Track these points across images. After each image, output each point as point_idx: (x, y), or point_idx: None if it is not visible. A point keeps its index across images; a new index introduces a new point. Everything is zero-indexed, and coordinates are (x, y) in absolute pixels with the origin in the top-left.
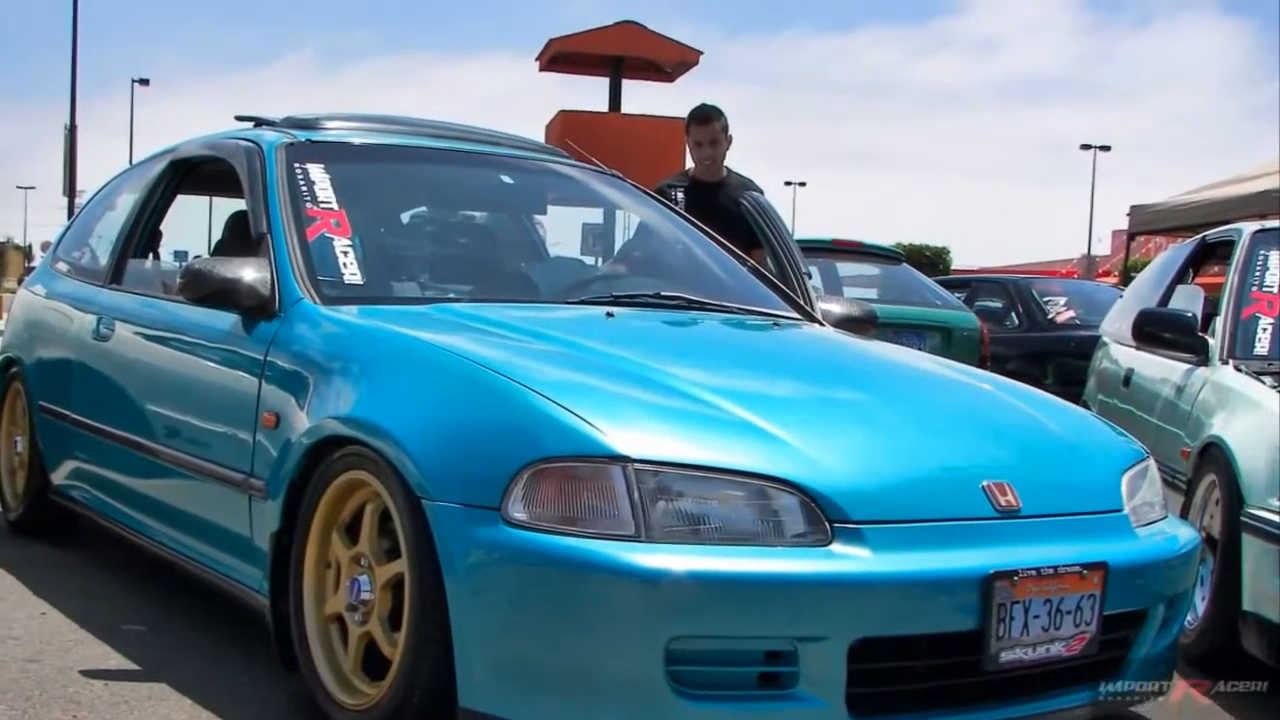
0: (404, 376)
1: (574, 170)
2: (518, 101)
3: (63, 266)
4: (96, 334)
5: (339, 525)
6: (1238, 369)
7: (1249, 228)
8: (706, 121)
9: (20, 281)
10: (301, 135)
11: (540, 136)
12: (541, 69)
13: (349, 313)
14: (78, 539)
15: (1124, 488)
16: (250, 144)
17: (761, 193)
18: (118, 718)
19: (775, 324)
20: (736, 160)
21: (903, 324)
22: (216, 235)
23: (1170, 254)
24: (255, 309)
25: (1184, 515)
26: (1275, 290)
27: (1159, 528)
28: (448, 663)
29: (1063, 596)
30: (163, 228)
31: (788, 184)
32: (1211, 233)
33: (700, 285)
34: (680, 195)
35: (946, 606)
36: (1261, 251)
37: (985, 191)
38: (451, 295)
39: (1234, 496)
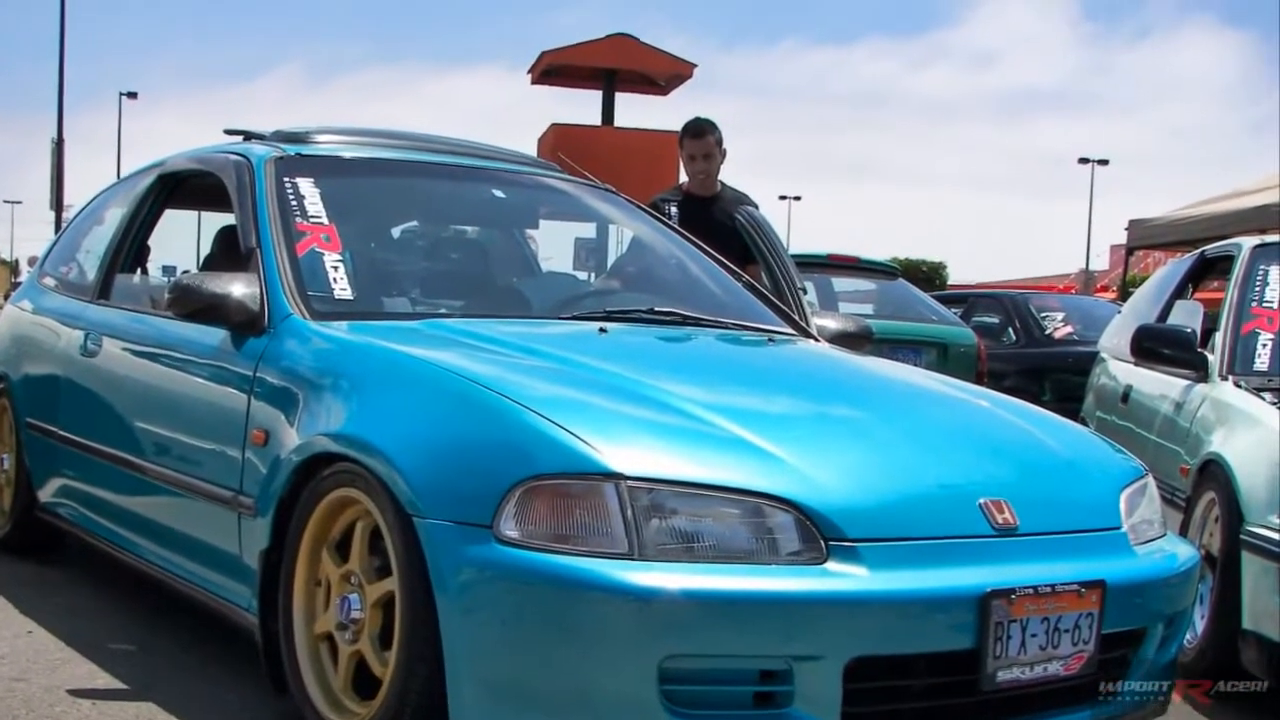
0: (395, 393)
1: (566, 184)
2: (509, 114)
3: (50, 281)
4: (84, 350)
5: (329, 543)
6: (1237, 385)
7: (1249, 243)
8: (700, 135)
9: (6, 297)
10: (291, 149)
11: (532, 150)
12: (534, 82)
13: (339, 328)
14: (65, 557)
15: (1122, 505)
16: (239, 158)
17: (756, 207)
18: None
19: (770, 340)
20: (731, 174)
21: (899, 339)
22: (205, 250)
23: (1169, 269)
24: (244, 324)
25: (1183, 533)
26: (1275, 306)
27: (1158, 545)
28: (439, 682)
29: (1060, 615)
30: (151, 242)
31: (782, 198)
32: (1211, 247)
33: (694, 301)
34: (674, 209)
35: (943, 625)
36: (1261, 267)
37: (983, 205)
38: (443, 310)
39: (1233, 514)
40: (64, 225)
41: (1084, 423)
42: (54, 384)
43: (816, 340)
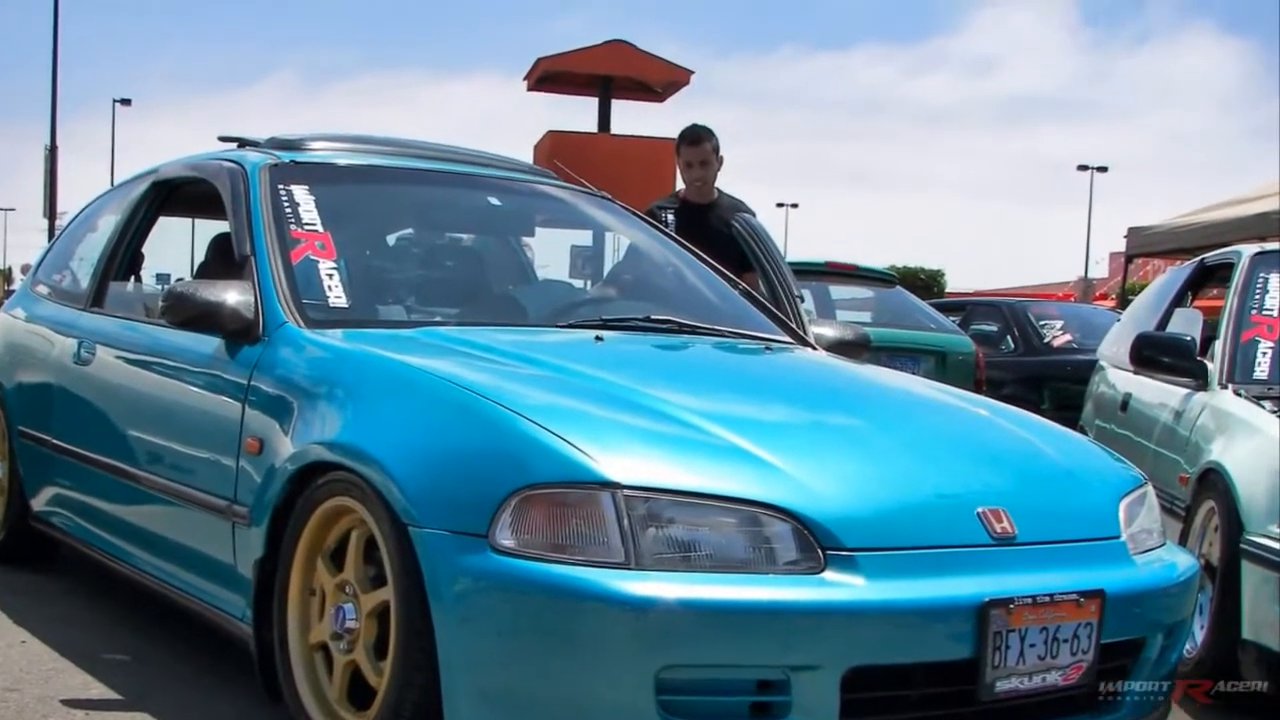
0: (390, 401)
1: (563, 192)
2: (506, 122)
3: (43, 289)
4: (77, 358)
5: (324, 552)
6: (1237, 393)
7: (1248, 250)
8: (697, 142)
9: None
10: (285, 156)
11: (528, 157)
12: (530, 88)
13: (334, 336)
14: (59, 566)
15: (1121, 514)
16: (233, 165)
17: (753, 214)
18: None
19: (767, 348)
20: (728, 181)
21: (897, 348)
22: (199, 258)
23: (1169, 277)
24: (238, 333)
25: (1182, 542)
26: (1275, 313)
27: (1157, 555)
28: (434, 692)
29: (1059, 624)
30: (145, 250)
31: (780, 205)
32: (1210, 255)
33: (691, 308)
34: (670, 217)
35: (941, 635)
36: (1261, 274)
37: (981, 212)
38: (438, 319)
39: (1233, 523)
40: (57, 233)
41: (1083, 431)
42: (47, 392)
43: (814, 348)
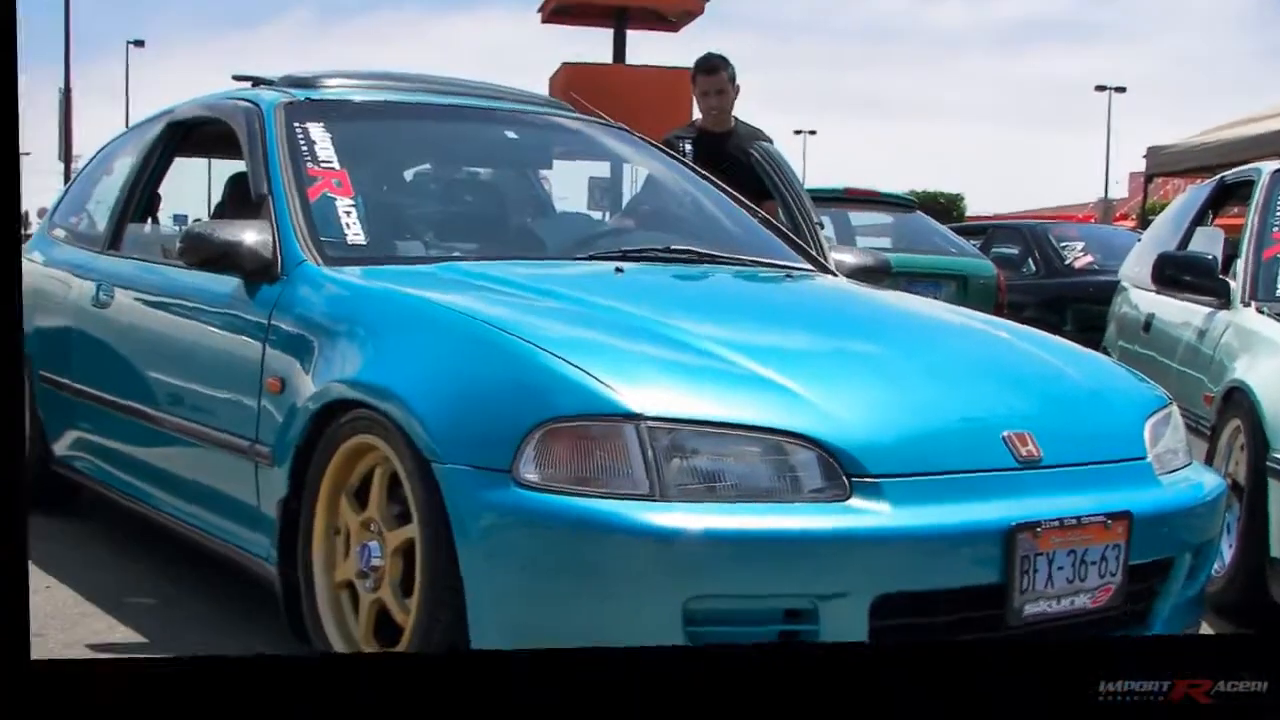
0: (410, 338)
1: (579, 124)
2: (520, 55)
3: (60, 233)
4: (96, 301)
5: (347, 490)
6: (1260, 311)
7: (1269, 167)
8: (713, 71)
9: None
10: (300, 94)
11: (544, 90)
12: (544, 21)
13: (353, 274)
14: (81, 511)
15: (1147, 435)
16: (249, 104)
17: (771, 142)
18: None
19: (788, 276)
20: (745, 110)
21: (917, 273)
22: (216, 198)
23: (1189, 196)
24: (257, 272)
25: (1208, 461)
26: None
27: (1183, 475)
28: (462, 628)
29: (1087, 547)
30: (161, 191)
31: (797, 133)
32: (1230, 173)
33: (710, 238)
34: (688, 147)
35: (968, 560)
36: None
37: (1000, 136)
38: (457, 254)
39: (1259, 441)
40: (73, 176)
41: (1106, 352)
42: (66, 336)
43: (834, 275)
